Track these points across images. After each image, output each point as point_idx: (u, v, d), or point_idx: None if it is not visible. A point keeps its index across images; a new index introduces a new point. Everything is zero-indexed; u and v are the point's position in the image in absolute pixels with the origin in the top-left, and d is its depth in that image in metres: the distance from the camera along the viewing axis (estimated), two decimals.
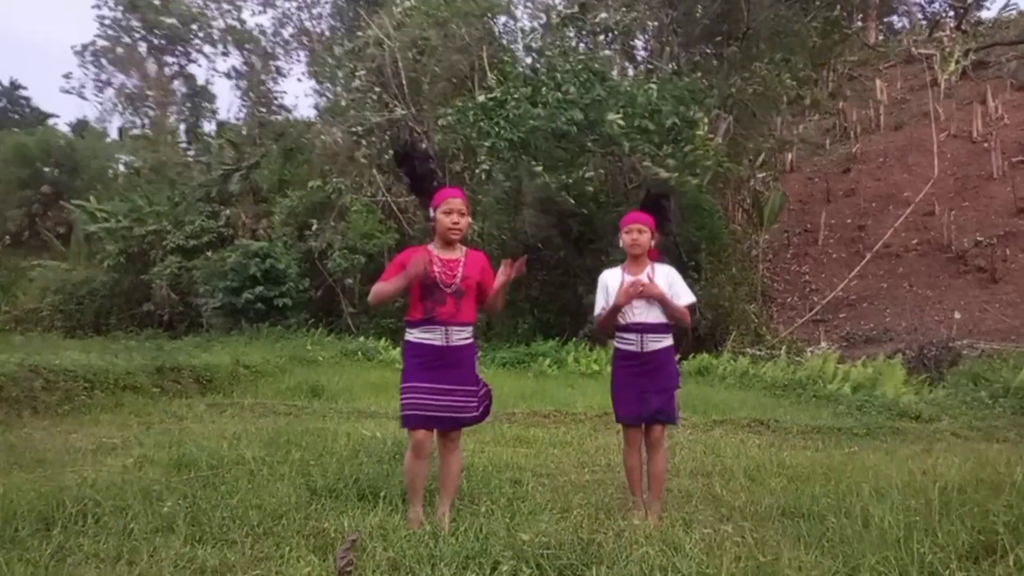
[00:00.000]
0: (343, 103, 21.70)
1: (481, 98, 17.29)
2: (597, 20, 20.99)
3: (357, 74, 20.91)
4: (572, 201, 16.67)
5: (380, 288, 3.79)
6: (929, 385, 12.38)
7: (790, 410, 9.98)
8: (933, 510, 3.36)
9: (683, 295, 4.23)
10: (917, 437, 7.58)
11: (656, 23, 21.92)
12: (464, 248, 3.95)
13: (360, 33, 22.19)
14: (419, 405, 3.76)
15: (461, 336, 3.80)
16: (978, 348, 14.83)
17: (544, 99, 16.11)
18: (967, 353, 14.33)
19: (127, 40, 38.42)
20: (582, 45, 21.40)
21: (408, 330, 3.86)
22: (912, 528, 3.20)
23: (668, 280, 4.20)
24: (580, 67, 16.97)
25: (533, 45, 19.04)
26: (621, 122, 15.60)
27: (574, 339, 16.07)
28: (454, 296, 3.77)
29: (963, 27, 32.48)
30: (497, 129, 16.52)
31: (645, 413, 4.12)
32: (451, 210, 3.82)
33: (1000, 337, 16.50)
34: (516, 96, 16.70)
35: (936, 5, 32.06)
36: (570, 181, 16.66)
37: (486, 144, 16.72)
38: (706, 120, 16.75)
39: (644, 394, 4.09)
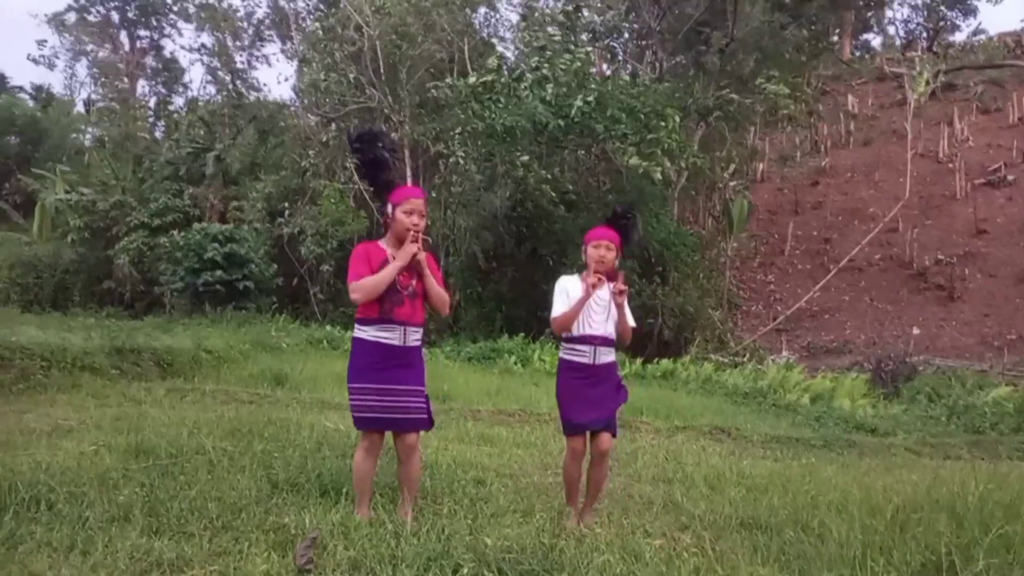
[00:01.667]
0: (320, 85, 21.46)
1: (489, 77, 17.24)
2: (583, 20, 21.09)
3: (330, 51, 20.75)
4: (552, 194, 16.79)
5: (370, 283, 3.63)
6: (885, 399, 12.65)
7: (750, 418, 10.13)
8: (888, 529, 3.43)
9: (630, 318, 4.25)
10: (873, 451, 7.75)
11: (638, 26, 22.07)
12: None
13: (337, 10, 21.99)
14: (372, 407, 3.68)
15: (415, 337, 3.76)
16: (934, 364, 15.20)
17: (542, 93, 16.19)
18: (923, 369, 14.67)
19: (100, 10, 37.54)
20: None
21: (361, 327, 3.75)
22: (868, 546, 3.26)
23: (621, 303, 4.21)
24: (576, 66, 17.10)
25: (525, 38, 19.13)
26: (581, 103, 15.74)
27: (541, 337, 16.10)
28: (410, 297, 3.73)
29: (934, 49, 33.21)
30: (489, 113, 16.50)
31: (599, 420, 4.13)
32: (412, 210, 3.72)
33: (956, 354, 16.93)
34: (513, 82, 16.78)
35: (911, 24, 32.77)
36: (548, 176, 16.76)
37: (477, 127, 16.67)
38: (677, 115, 16.90)
39: (596, 403, 4.10)
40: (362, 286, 3.64)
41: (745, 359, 16.24)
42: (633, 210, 4.49)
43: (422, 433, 3.95)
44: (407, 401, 3.70)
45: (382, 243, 3.84)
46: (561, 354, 4.28)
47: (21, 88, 37.42)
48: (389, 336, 3.70)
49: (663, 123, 16.51)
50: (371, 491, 3.88)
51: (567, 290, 4.20)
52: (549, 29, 18.99)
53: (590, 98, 15.90)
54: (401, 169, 18.94)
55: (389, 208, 3.76)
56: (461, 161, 17.32)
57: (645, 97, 16.98)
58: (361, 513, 3.74)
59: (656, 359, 14.98)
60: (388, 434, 3.87)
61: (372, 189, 3.98)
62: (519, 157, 16.53)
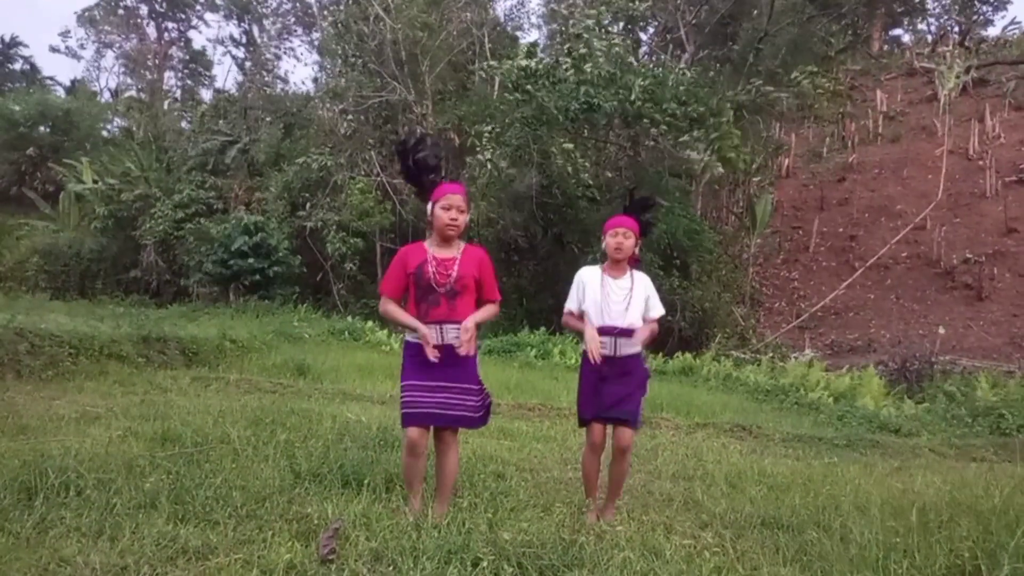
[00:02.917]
0: (342, 80, 21.55)
1: (529, 62, 17.26)
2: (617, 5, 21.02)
3: (349, 46, 20.85)
4: (589, 184, 16.83)
5: (389, 316, 3.85)
6: (910, 398, 12.50)
7: (772, 416, 10.06)
8: (912, 531, 3.40)
9: (655, 307, 4.22)
10: (896, 452, 7.67)
11: (664, 19, 21.93)
12: (462, 244, 3.87)
13: (358, 5, 22.09)
14: (416, 403, 3.72)
15: (456, 335, 3.73)
16: (960, 364, 14.99)
17: (581, 75, 16.26)
18: (949, 369, 14.48)
19: (128, 2, 37.95)
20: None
21: (406, 330, 3.85)
22: (891, 549, 3.24)
23: (646, 291, 4.18)
24: (615, 51, 17.15)
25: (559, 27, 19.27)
26: (641, 82, 15.73)
27: (562, 331, 16.07)
28: (447, 297, 3.73)
29: (966, 43, 32.63)
30: (541, 95, 16.51)
31: (613, 413, 4.09)
32: (450, 206, 3.74)
33: (982, 355, 16.68)
34: (551, 67, 16.86)
35: (944, 19, 32.23)
36: (578, 166, 16.81)
37: (523, 113, 16.71)
38: (729, 112, 16.85)
39: (613, 396, 4.06)
40: (385, 312, 3.87)
41: (768, 356, 16.10)
42: (652, 198, 4.48)
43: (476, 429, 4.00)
44: (449, 397, 3.72)
45: (426, 243, 3.86)
46: (583, 346, 4.28)
47: (52, 78, 38.02)
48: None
49: (723, 120, 16.50)
50: (421, 487, 3.89)
51: (583, 283, 4.21)
52: (579, 18, 18.92)
53: (646, 82, 15.91)
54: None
55: (430, 206, 3.79)
56: (490, 154, 17.26)
57: (696, 88, 16.99)
58: (414, 507, 3.76)
59: (676, 354, 14.91)
60: None
61: (417, 191, 3.97)
62: (561, 143, 16.57)
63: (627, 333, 4.09)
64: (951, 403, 11.63)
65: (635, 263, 4.28)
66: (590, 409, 4.14)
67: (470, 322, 3.69)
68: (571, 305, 4.24)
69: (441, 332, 3.71)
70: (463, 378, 3.75)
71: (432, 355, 3.63)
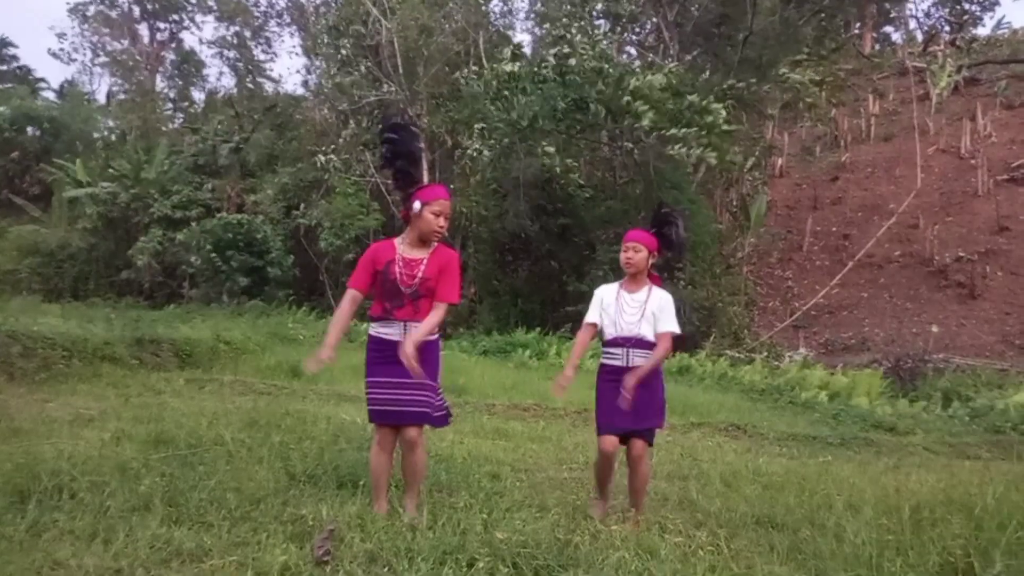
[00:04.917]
0: (336, 79, 21.52)
1: (512, 66, 17.24)
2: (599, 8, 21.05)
3: (344, 49, 20.83)
4: (581, 184, 16.81)
5: (338, 312, 3.95)
6: (904, 397, 12.54)
7: (767, 415, 10.08)
8: (905, 529, 3.41)
9: (667, 322, 4.12)
10: (890, 450, 7.69)
11: (655, 19, 21.97)
12: (435, 244, 3.82)
13: (350, 5, 22.07)
14: (380, 400, 3.73)
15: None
16: (953, 363, 15.04)
17: (569, 72, 16.27)
18: (943, 367, 14.52)
19: (121, 3, 37.81)
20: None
21: (370, 323, 3.84)
22: (884, 547, 3.25)
23: (659, 306, 4.12)
24: (599, 50, 17.17)
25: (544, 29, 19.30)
26: (636, 82, 15.71)
27: (558, 332, 16.08)
28: (412, 298, 3.72)
29: (957, 43, 32.74)
30: (516, 103, 16.49)
31: (627, 426, 4.08)
32: (440, 212, 3.72)
33: (975, 353, 16.74)
34: (535, 71, 16.84)
35: (932, 18, 32.35)
36: (573, 164, 16.78)
37: (503, 122, 16.68)
38: (722, 110, 16.80)
39: (630, 409, 4.04)
40: (339, 309, 3.94)
41: (762, 355, 16.13)
42: (674, 211, 4.46)
43: (439, 428, 4.00)
44: (411, 394, 3.69)
45: (397, 241, 3.84)
46: (601, 359, 4.28)
47: (42, 79, 37.85)
48: (390, 332, 3.73)
49: (713, 119, 16.48)
50: (387, 485, 3.90)
51: (601, 299, 4.25)
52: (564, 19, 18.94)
53: (637, 83, 15.92)
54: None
55: (416, 205, 3.71)
56: (485, 154, 17.23)
57: (682, 86, 16.99)
58: (378, 507, 3.76)
59: (672, 353, 14.92)
60: None
61: (396, 181, 3.93)
62: (545, 147, 16.55)
63: (640, 344, 4.09)
64: (947, 401, 11.66)
65: (656, 280, 4.28)
66: (605, 421, 4.15)
67: (410, 348, 3.54)
68: (589, 317, 4.27)
69: (405, 329, 3.70)
70: (424, 375, 3.71)
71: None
